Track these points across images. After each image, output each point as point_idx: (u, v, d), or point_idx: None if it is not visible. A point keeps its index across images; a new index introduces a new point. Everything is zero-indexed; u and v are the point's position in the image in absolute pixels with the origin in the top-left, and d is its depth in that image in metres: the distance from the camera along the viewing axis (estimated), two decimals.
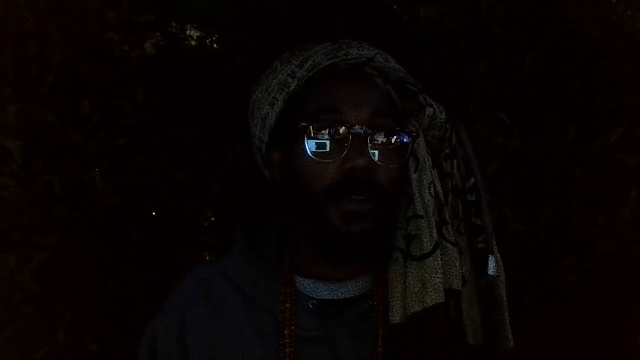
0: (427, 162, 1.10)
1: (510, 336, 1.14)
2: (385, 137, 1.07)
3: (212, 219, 1.80)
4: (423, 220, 1.08)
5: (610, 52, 1.70)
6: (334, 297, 1.12)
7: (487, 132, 1.63)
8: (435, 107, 1.11)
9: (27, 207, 1.63)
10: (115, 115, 1.67)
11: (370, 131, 1.05)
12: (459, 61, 1.67)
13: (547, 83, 1.68)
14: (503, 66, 1.68)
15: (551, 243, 1.67)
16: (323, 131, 1.05)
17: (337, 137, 1.05)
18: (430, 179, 1.10)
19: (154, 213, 1.75)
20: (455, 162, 1.15)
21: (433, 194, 1.10)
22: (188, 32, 1.82)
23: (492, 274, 1.13)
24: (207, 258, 1.78)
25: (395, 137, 1.08)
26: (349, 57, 1.09)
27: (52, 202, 1.63)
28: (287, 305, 1.10)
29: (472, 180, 1.16)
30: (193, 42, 1.83)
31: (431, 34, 1.69)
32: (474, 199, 1.15)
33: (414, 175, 1.10)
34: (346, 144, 1.04)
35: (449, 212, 1.12)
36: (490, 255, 1.13)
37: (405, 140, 1.08)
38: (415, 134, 1.09)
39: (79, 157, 1.64)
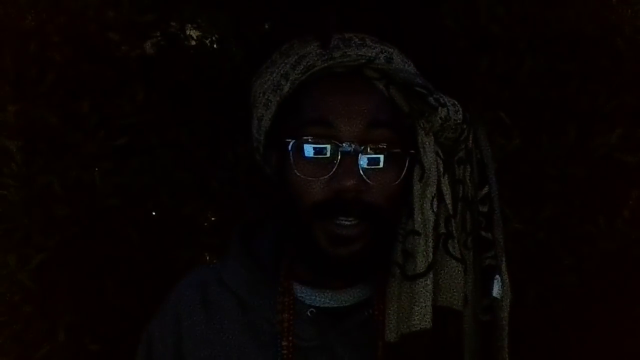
0: (435, 170, 1.03)
1: None
2: (379, 152, 0.99)
3: (212, 219, 1.80)
4: (420, 238, 1.01)
5: (610, 52, 1.70)
6: (333, 305, 1.08)
7: (487, 132, 1.62)
8: (449, 106, 1.02)
9: (27, 207, 1.63)
10: (115, 115, 1.67)
11: (361, 148, 0.98)
12: (459, 61, 1.67)
13: (547, 83, 1.68)
14: (503, 66, 1.67)
15: (551, 243, 1.67)
16: (312, 147, 0.99)
17: (325, 154, 0.99)
18: (434, 192, 1.03)
19: (154, 213, 1.75)
20: (468, 168, 1.07)
21: (435, 209, 1.02)
22: (188, 32, 1.82)
23: (496, 296, 1.05)
24: (207, 258, 1.79)
25: (390, 152, 1.00)
26: (346, 58, 1.01)
27: (52, 202, 1.63)
28: (285, 315, 1.07)
29: (486, 189, 1.08)
30: (193, 42, 1.83)
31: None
32: (485, 210, 1.07)
33: (418, 185, 1.02)
34: (335, 161, 0.98)
35: (457, 225, 1.05)
36: (497, 275, 1.05)
37: (402, 153, 1.00)
38: (413, 151, 1.01)
39: (79, 157, 1.64)
